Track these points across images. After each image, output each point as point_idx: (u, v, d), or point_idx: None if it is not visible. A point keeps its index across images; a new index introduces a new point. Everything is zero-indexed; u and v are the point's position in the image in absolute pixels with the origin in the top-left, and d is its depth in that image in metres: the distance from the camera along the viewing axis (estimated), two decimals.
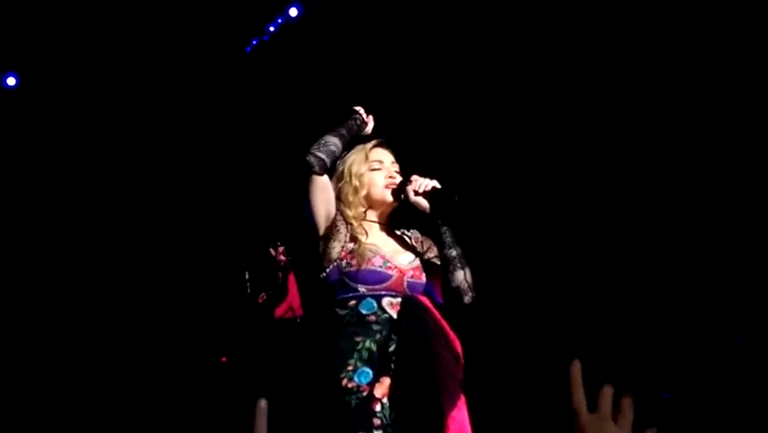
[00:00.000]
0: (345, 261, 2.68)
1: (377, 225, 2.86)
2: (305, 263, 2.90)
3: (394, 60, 5.74)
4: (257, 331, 5.52)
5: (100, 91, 6.20)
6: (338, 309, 2.65)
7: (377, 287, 2.65)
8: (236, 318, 5.78)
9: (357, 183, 2.82)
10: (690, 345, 4.59)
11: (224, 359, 5.69)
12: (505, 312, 4.83)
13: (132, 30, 5.93)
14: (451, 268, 2.71)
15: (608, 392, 1.10)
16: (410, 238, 2.92)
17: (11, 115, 6.25)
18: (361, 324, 2.60)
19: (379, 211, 2.87)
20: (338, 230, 2.74)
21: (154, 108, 6.32)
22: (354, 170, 2.84)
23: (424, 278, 2.77)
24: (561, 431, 1.10)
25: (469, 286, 2.72)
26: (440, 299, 2.77)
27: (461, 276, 2.71)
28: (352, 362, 2.54)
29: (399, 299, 2.65)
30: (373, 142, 2.94)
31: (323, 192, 2.73)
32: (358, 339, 2.58)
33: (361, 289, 2.65)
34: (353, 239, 2.72)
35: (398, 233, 2.91)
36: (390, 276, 2.68)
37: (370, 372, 2.53)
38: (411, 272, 2.74)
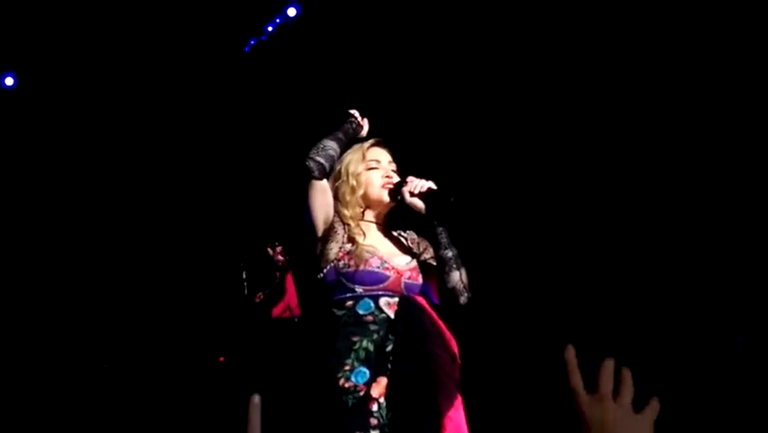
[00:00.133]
0: (343, 261, 2.69)
1: (374, 226, 2.86)
2: (302, 264, 2.91)
3: (391, 60, 5.74)
4: (254, 331, 5.53)
5: (98, 91, 6.20)
6: (335, 310, 2.65)
7: (374, 287, 2.66)
8: (234, 318, 5.79)
9: (354, 183, 2.82)
10: (690, 346, 4.60)
11: (221, 358, 5.69)
12: (501, 312, 4.83)
13: (130, 30, 5.93)
14: (447, 269, 2.72)
15: (607, 370, 1.09)
16: (407, 239, 2.92)
17: (9, 115, 6.25)
18: (359, 324, 2.61)
19: (377, 211, 2.88)
20: (335, 231, 2.75)
21: (153, 108, 6.32)
22: (351, 169, 2.84)
23: (420, 279, 2.78)
24: (560, 430, 1.10)
25: (465, 287, 2.73)
26: (436, 300, 2.78)
27: (457, 277, 2.72)
28: (349, 362, 2.55)
29: (396, 300, 2.66)
30: (370, 141, 2.95)
31: (322, 196, 2.74)
32: (355, 339, 2.58)
33: (359, 289, 2.65)
34: (351, 240, 2.73)
35: (395, 234, 2.92)
36: (388, 277, 2.69)
37: (367, 371, 2.54)
38: (408, 273, 2.75)
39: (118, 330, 6.19)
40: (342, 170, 2.85)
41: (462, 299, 2.73)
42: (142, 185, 6.44)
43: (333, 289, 2.68)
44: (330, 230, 2.75)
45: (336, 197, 2.81)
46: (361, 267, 2.66)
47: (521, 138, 5.34)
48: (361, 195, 2.84)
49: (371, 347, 2.57)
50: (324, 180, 2.74)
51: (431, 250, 2.83)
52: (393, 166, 2.92)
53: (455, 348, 2.65)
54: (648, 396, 1.11)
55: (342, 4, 5.96)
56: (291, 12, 6.30)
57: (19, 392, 5.83)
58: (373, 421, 2.48)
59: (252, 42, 6.43)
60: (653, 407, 1.09)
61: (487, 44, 5.45)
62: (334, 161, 2.79)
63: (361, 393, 2.51)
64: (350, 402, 2.50)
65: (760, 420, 4.09)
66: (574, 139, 5.17)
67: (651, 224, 4.90)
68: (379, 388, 2.52)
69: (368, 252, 2.70)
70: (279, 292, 5.55)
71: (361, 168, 2.86)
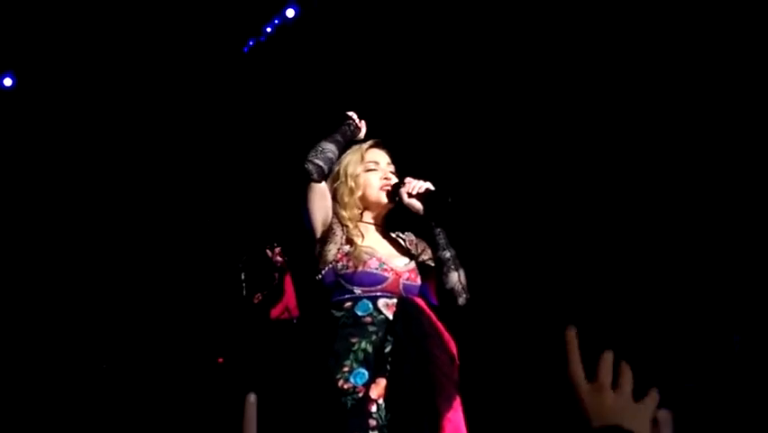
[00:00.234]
0: (341, 263, 2.69)
1: (372, 227, 2.86)
2: (301, 265, 2.91)
3: (390, 62, 5.75)
4: (253, 332, 5.53)
5: (97, 92, 6.19)
6: (334, 311, 2.65)
7: (372, 289, 2.66)
8: (233, 319, 5.79)
9: (353, 184, 2.82)
10: (688, 346, 4.60)
11: (220, 360, 5.69)
12: (499, 313, 4.84)
13: (128, 30, 5.93)
14: (445, 270, 2.73)
15: (607, 360, 1.09)
16: (405, 241, 2.93)
17: (8, 115, 6.24)
18: (357, 325, 2.61)
19: (375, 213, 2.88)
20: (334, 232, 2.75)
21: (151, 109, 6.32)
22: (350, 170, 2.84)
23: (419, 280, 2.78)
24: (559, 429, 1.10)
25: (463, 287, 2.73)
26: (435, 301, 2.78)
27: (456, 277, 2.72)
28: (347, 363, 2.55)
29: (395, 301, 2.66)
30: (369, 142, 2.95)
31: (321, 199, 2.74)
32: (354, 340, 2.58)
33: (357, 290, 2.66)
34: (349, 241, 2.73)
35: (393, 235, 2.92)
36: (386, 278, 2.69)
37: (366, 373, 2.54)
38: (407, 275, 2.75)
39: (117, 331, 6.18)
40: (341, 172, 2.84)
41: (461, 300, 2.73)
42: (141, 186, 6.44)
43: (331, 290, 2.69)
44: (328, 231, 2.75)
45: (335, 198, 2.81)
46: (360, 268, 2.66)
47: (518, 138, 5.34)
48: (360, 196, 2.84)
49: (370, 348, 2.57)
50: (323, 183, 2.74)
51: (429, 251, 2.83)
52: (392, 167, 2.91)
53: (454, 349, 2.65)
54: (646, 388, 1.10)
55: (340, 6, 5.96)
56: (290, 13, 6.30)
57: (19, 393, 5.83)
58: (372, 422, 2.48)
59: (251, 43, 6.43)
60: (653, 397, 1.08)
61: (484, 45, 5.46)
62: (333, 163, 2.79)
63: (360, 394, 2.51)
64: (349, 403, 2.51)
65: (759, 420, 4.09)
66: (572, 139, 5.17)
67: (649, 224, 4.90)
68: (377, 389, 2.52)
69: (366, 253, 2.70)
70: (278, 293, 5.55)
71: (359, 169, 2.86)
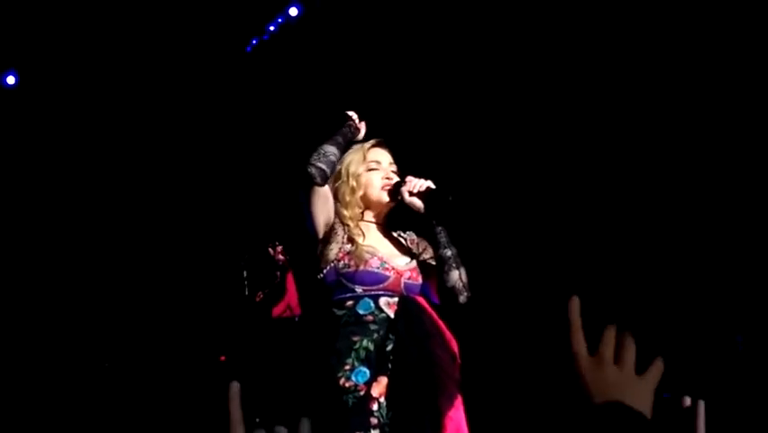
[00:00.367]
0: (343, 262, 2.70)
1: (374, 227, 2.86)
2: (302, 264, 2.91)
3: (393, 60, 5.75)
4: (255, 330, 5.53)
5: (100, 90, 6.20)
6: (335, 310, 2.66)
7: (374, 287, 2.67)
8: (235, 317, 5.79)
9: (354, 183, 2.82)
10: (691, 347, 4.59)
11: (222, 358, 5.70)
12: (501, 312, 4.84)
13: (132, 29, 5.94)
14: (446, 268, 2.73)
15: (610, 334, 1.07)
16: (406, 240, 2.93)
17: (11, 114, 6.25)
18: (359, 324, 2.61)
19: (376, 212, 2.88)
20: (335, 232, 2.75)
21: (154, 108, 6.32)
22: (352, 170, 2.84)
23: (420, 279, 2.79)
24: (559, 429, 1.08)
25: (464, 286, 2.73)
26: (436, 300, 2.78)
27: (456, 276, 2.73)
28: (349, 361, 2.55)
29: (396, 299, 2.67)
30: (371, 142, 2.94)
31: (324, 202, 2.74)
32: (355, 339, 2.59)
33: (359, 289, 2.66)
34: (350, 240, 2.73)
35: (395, 234, 2.93)
36: (388, 277, 2.70)
37: (368, 371, 2.54)
38: (408, 274, 2.76)
39: (119, 330, 6.19)
40: (343, 171, 2.84)
41: (462, 298, 2.73)
42: (144, 184, 6.45)
43: (333, 289, 2.69)
44: (330, 231, 2.76)
45: (336, 197, 2.81)
46: (361, 267, 2.67)
47: (520, 137, 5.34)
48: (361, 196, 2.84)
49: (372, 347, 2.58)
50: (326, 186, 2.74)
51: (430, 250, 2.83)
52: (394, 167, 2.91)
53: (455, 348, 2.66)
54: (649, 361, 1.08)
55: (343, 4, 5.96)
56: (293, 11, 6.31)
57: (20, 392, 5.83)
58: (373, 421, 2.48)
59: (254, 42, 6.43)
60: (657, 368, 1.06)
61: (487, 44, 5.46)
62: (335, 166, 2.78)
63: (362, 393, 2.51)
64: (350, 402, 2.51)
65: (759, 420, 4.08)
66: (574, 139, 5.17)
67: (651, 223, 4.90)
68: (379, 387, 2.52)
69: (367, 252, 2.70)
70: (280, 292, 5.56)
71: (361, 169, 2.86)
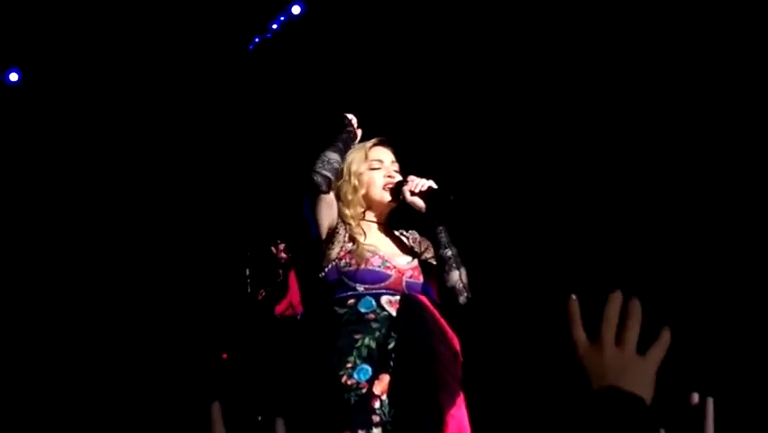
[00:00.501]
0: (344, 260, 2.70)
1: (375, 226, 2.87)
2: (304, 262, 2.91)
3: (396, 59, 5.74)
4: (257, 328, 5.54)
5: (103, 88, 6.20)
6: (337, 308, 2.66)
7: (375, 286, 2.67)
8: (236, 315, 5.80)
9: (356, 182, 2.83)
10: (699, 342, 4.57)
11: (224, 356, 5.70)
12: (503, 311, 4.84)
13: (134, 26, 5.94)
14: (446, 268, 2.73)
15: (613, 310, 1.04)
16: (408, 238, 2.93)
17: (13, 111, 6.25)
18: (361, 322, 2.62)
19: (378, 211, 2.88)
20: (337, 231, 2.76)
21: (156, 105, 6.32)
22: (354, 168, 2.85)
23: (422, 278, 2.79)
24: (560, 428, 1.07)
25: (464, 286, 2.74)
26: (437, 299, 2.79)
27: (457, 276, 2.73)
28: (351, 359, 2.56)
29: (398, 297, 2.67)
30: (373, 140, 2.95)
31: (328, 208, 2.75)
32: (357, 337, 2.59)
33: (360, 288, 2.67)
34: (352, 239, 2.74)
35: (397, 233, 2.93)
36: (389, 276, 2.70)
37: (370, 369, 2.55)
38: (410, 273, 2.76)
39: (120, 327, 6.19)
40: (345, 170, 2.85)
41: (462, 299, 2.74)
42: (146, 181, 6.45)
43: (334, 287, 2.70)
44: (332, 231, 2.76)
45: (338, 196, 2.82)
46: (362, 266, 2.68)
47: (522, 137, 5.34)
48: (363, 195, 2.85)
49: (373, 345, 2.58)
50: (331, 193, 2.75)
51: (432, 249, 2.84)
52: (396, 166, 2.92)
53: (457, 346, 2.66)
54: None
55: (346, 2, 5.96)
56: (296, 10, 6.30)
57: (22, 384, 5.84)
58: (375, 418, 2.49)
59: (257, 40, 6.43)
60: (660, 346, 1.03)
61: (489, 43, 5.46)
62: (338, 172, 2.79)
63: (364, 390, 2.52)
64: (352, 399, 2.52)
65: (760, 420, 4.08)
66: (576, 140, 5.17)
67: (652, 221, 4.89)
68: (381, 385, 2.53)
69: (369, 251, 2.71)
70: (282, 290, 5.55)
71: (363, 168, 2.86)
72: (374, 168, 2.87)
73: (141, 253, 6.40)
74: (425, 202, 2.75)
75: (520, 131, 5.33)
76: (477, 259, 2.89)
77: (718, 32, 4.63)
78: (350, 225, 2.78)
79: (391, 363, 2.56)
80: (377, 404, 2.50)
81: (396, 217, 2.94)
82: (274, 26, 6.40)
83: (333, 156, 2.76)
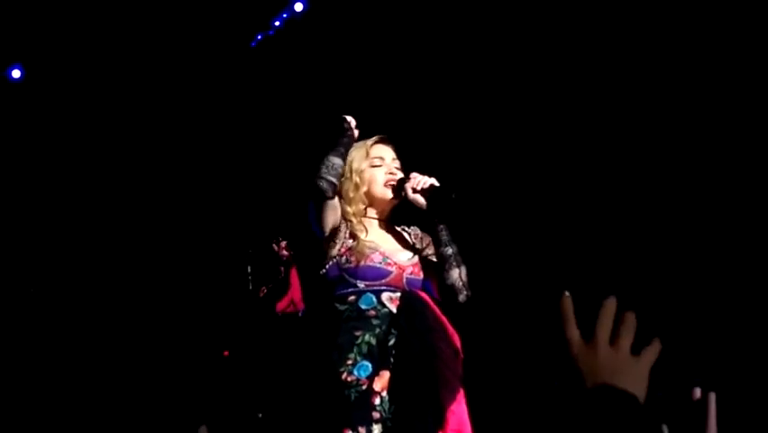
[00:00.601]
0: (345, 257, 2.71)
1: (376, 222, 2.87)
2: (306, 259, 2.91)
3: (397, 56, 5.74)
4: (259, 325, 5.55)
5: (105, 84, 6.21)
6: (338, 305, 2.67)
7: (376, 282, 2.68)
8: (238, 312, 5.81)
9: (357, 180, 2.83)
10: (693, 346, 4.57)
11: (226, 353, 5.71)
12: (503, 308, 4.84)
13: (137, 23, 5.94)
14: (446, 266, 2.74)
15: (608, 314, 1.05)
16: (410, 235, 2.94)
17: (16, 107, 6.26)
18: (361, 318, 2.62)
19: (379, 208, 2.89)
20: (339, 228, 2.77)
21: (159, 103, 6.33)
22: (355, 166, 2.85)
23: (422, 274, 2.79)
24: (560, 427, 1.07)
25: (464, 284, 2.74)
26: (437, 296, 2.79)
27: (457, 274, 2.73)
28: (351, 356, 2.56)
29: (399, 294, 2.67)
30: (374, 138, 2.95)
31: (333, 212, 2.76)
32: (357, 333, 2.60)
33: (361, 284, 2.67)
34: (353, 236, 2.74)
35: (398, 229, 2.93)
36: (390, 272, 2.70)
37: (370, 365, 2.55)
38: (410, 269, 2.76)
39: (123, 324, 6.20)
40: (346, 168, 2.85)
41: (461, 297, 2.74)
42: (149, 179, 6.45)
43: (335, 284, 2.70)
44: (334, 229, 2.77)
45: (339, 194, 2.82)
46: (363, 262, 2.68)
47: (523, 136, 5.33)
48: (365, 192, 2.85)
49: (374, 341, 2.59)
50: (336, 198, 2.76)
51: (433, 246, 2.84)
52: (397, 163, 2.92)
53: (458, 343, 2.66)
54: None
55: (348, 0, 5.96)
56: (298, 6, 6.30)
57: (24, 379, 5.86)
58: (375, 415, 2.49)
59: (259, 37, 6.43)
60: (654, 348, 1.04)
61: (492, 41, 5.45)
62: (341, 176, 2.79)
63: (364, 387, 2.52)
64: (352, 396, 2.52)
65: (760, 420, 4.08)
66: (578, 139, 5.16)
67: (652, 223, 4.89)
68: (381, 382, 2.53)
69: (369, 247, 2.72)
70: (284, 287, 5.57)
71: (364, 165, 2.86)
72: (375, 165, 2.87)
73: (143, 249, 6.41)
74: (426, 200, 2.75)
75: (521, 130, 5.33)
76: (477, 257, 2.89)
77: (718, 32, 4.62)
78: (351, 221, 2.79)
79: (391, 360, 2.56)
80: (377, 401, 2.51)
81: (397, 214, 2.94)
82: (276, 23, 6.40)
83: (337, 161, 2.76)
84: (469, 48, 5.50)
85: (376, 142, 2.93)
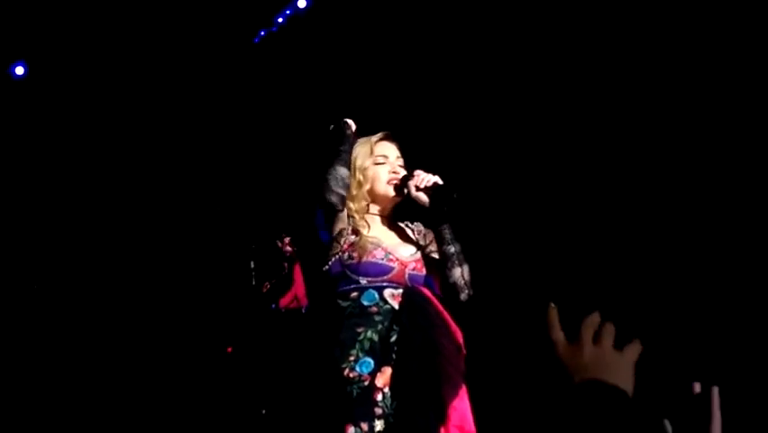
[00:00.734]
0: (347, 253, 2.71)
1: (379, 219, 2.88)
2: (309, 255, 2.92)
3: (401, 54, 5.74)
4: (262, 321, 5.56)
5: (109, 81, 6.22)
6: (340, 301, 2.67)
7: (378, 279, 2.68)
8: (242, 308, 5.82)
9: (361, 177, 2.84)
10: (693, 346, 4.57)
11: (229, 349, 5.72)
12: (506, 306, 4.84)
13: (140, 20, 5.95)
14: (449, 264, 2.74)
15: (593, 320, 1.09)
16: (413, 231, 2.94)
17: (19, 104, 6.27)
18: (363, 315, 2.63)
19: (382, 205, 2.89)
20: (343, 228, 2.78)
21: (162, 99, 6.34)
22: (359, 163, 2.85)
23: (425, 270, 2.80)
24: (560, 425, 1.08)
25: (466, 283, 2.74)
26: (440, 293, 2.79)
27: (459, 273, 2.74)
28: (353, 352, 2.57)
29: (401, 290, 2.68)
30: (378, 135, 2.95)
31: (341, 222, 2.78)
32: (359, 330, 2.60)
33: (363, 280, 2.67)
34: (355, 232, 2.75)
35: (401, 225, 2.94)
36: (392, 268, 2.71)
37: (372, 361, 2.56)
38: (413, 265, 2.77)
39: (126, 321, 6.22)
40: (350, 165, 2.86)
41: (463, 296, 2.74)
42: (153, 175, 6.47)
43: (337, 280, 2.70)
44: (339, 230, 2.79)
45: None
46: (365, 258, 2.68)
47: (526, 135, 5.33)
48: (368, 189, 2.85)
49: (376, 338, 2.59)
50: (345, 210, 2.77)
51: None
52: (400, 161, 2.92)
53: (460, 339, 2.67)
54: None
55: None
56: (301, 3, 6.31)
57: (27, 375, 5.87)
58: (378, 411, 2.49)
59: (262, 33, 6.43)
60: (636, 344, 1.08)
61: (495, 40, 5.45)
62: (348, 185, 2.80)
63: (366, 383, 2.52)
64: (354, 392, 2.52)
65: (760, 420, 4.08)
66: (579, 136, 5.16)
67: (652, 223, 4.88)
68: (383, 378, 2.54)
69: (371, 243, 2.72)
70: (287, 283, 5.58)
71: (368, 162, 2.87)
72: (379, 163, 2.88)
73: (147, 246, 6.42)
74: (429, 198, 2.76)
75: (525, 129, 5.33)
76: (480, 256, 2.89)
77: (718, 33, 4.62)
78: (354, 218, 2.79)
79: (394, 356, 2.56)
80: (379, 397, 2.51)
81: (400, 210, 2.95)
82: (280, 20, 6.40)
83: (344, 171, 2.77)
84: (475, 45, 5.50)
85: (380, 140, 2.93)
